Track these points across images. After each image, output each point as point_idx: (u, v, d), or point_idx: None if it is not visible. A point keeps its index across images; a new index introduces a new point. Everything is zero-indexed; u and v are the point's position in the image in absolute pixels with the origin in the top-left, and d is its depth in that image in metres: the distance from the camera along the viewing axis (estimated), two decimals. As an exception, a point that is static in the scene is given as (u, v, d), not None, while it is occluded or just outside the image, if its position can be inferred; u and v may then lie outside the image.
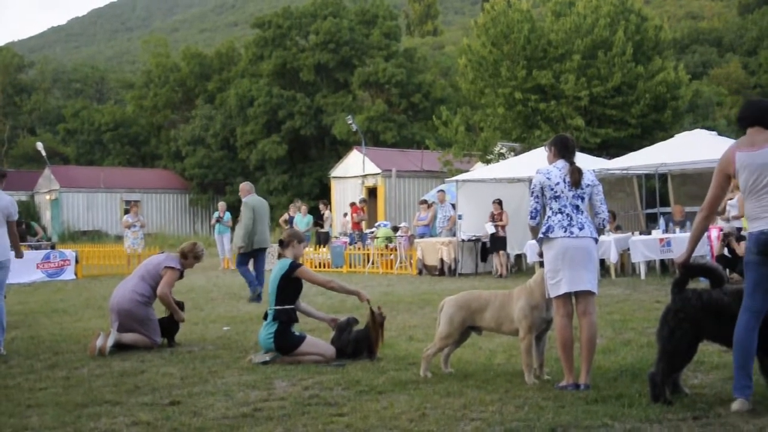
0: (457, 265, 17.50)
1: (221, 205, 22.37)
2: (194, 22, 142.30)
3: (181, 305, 8.54)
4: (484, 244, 17.78)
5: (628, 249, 15.20)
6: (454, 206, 18.71)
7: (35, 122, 61.03)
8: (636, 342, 7.44)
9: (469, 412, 5.04)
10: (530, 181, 6.12)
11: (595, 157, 19.16)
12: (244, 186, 13.40)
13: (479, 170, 22.33)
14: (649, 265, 15.35)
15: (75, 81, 71.17)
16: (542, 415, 4.87)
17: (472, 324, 6.33)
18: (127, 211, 23.73)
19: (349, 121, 34.83)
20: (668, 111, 25.99)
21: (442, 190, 20.46)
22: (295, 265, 7.22)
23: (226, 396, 5.73)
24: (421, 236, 19.46)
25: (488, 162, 25.32)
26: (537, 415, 4.87)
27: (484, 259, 18.07)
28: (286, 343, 7.04)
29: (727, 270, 11.85)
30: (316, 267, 20.12)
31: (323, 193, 38.17)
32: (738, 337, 4.86)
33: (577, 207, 5.75)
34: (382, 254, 19.61)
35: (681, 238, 14.62)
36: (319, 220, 23.72)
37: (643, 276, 14.69)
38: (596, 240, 5.82)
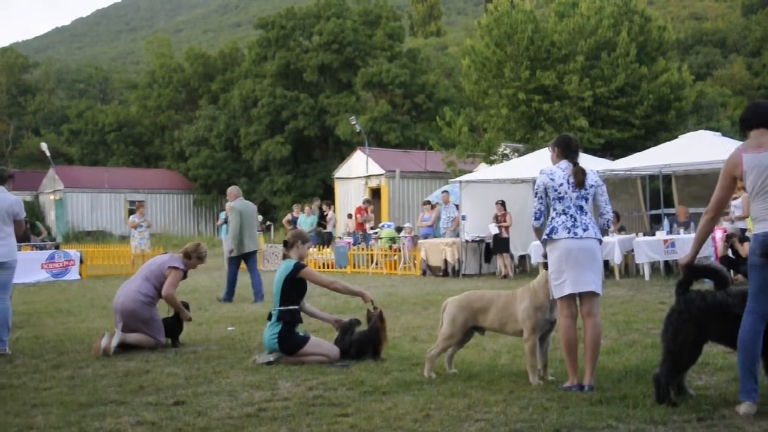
0: (461, 266, 17.49)
1: (228, 206, 22.28)
2: (198, 22, 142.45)
3: (185, 305, 8.56)
4: (487, 245, 17.77)
5: (632, 250, 15.18)
6: (457, 207, 18.70)
7: (39, 123, 61.14)
8: (640, 343, 7.44)
9: (473, 412, 5.03)
10: (534, 181, 6.11)
11: (598, 158, 19.15)
12: (232, 190, 13.69)
13: (483, 171, 22.32)
14: (653, 266, 15.33)
15: (79, 81, 71.30)
16: (546, 416, 4.86)
17: (475, 324, 6.33)
18: (132, 212, 23.78)
19: (353, 122, 34.82)
20: (672, 112, 25.95)
21: (445, 191, 20.45)
22: (299, 266, 7.23)
23: (230, 396, 5.74)
24: (425, 237, 19.45)
25: (492, 163, 25.29)
26: (541, 416, 4.87)
27: (487, 260, 18.06)
28: (290, 343, 7.05)
29: (731, 271, 11.83)
30: (319, 267, 20.12)
31: (327, 194, 38.17)
32: (742, 339, 4.85)
33: (581, 208, 5.74)
34: (385, 255, 19.61)
35: (685, 239, 14.61)
36: (322, 220, 23.75)
37: (647, 277, 14.68)
38: (600, 241, 5.81)
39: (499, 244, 17.01)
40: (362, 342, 7.18)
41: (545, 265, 5.93)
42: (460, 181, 18.52)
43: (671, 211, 17.70)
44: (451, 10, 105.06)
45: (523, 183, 17.59)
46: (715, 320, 5.06)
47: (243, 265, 13.45)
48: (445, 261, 17.56)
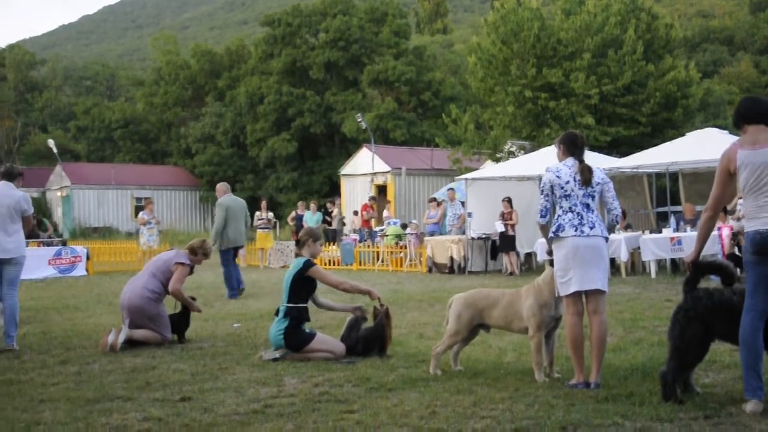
0: (467, 263, 17.48)
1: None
2: (204, 19, 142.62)
3: (193, 299, 8.60)
4: (494, 242, 17.76)
5: (639, 247, 15.15)
6: (463, 204, 18.69)
7: (47, 119, 61.33)
8: (647, 341, 7.42)
9: (479, 409, 5.03)
10: (540, 179, 6.09)
11: (605, 156, 19.11)
12: (221, 187, 13.89)
13: (489, 168, 22.31)
14: (660, 263, 15.30)
15: (86, 78, 71.46)
16: (552, 413, 4.86)
17: (481, 321, 6.33)
18: (138, 208, 23.82)
19: (359, 119, 34.81)
20: (679, 109, 25.89)
21: (451, 189, 20.44)
22: (308, 264, 7.23)
23: (236, 392, 5.75)
24: (431, 234, 19.44)
25: (498, 160, 25.28)
26: (547, 413, 4.87)
27: (493, 257, 18.05)
28: (296, 340, 7.06)
29: (738, 269, 11.79)
30: (325, 264, 20.13)
31: (333, 191, 38.19)
32: (743, 337, 4.84)
33: (587, 205, 5.73)
34: (392, 252, 19.61)
35: (692, 236, 14.56)
36: (327, 217, 23.77)
37: (653, 275, 14.65)
38: (607, 239, 5.80)
39: (506, 242, 16.99)
40: (368, 339, 7.18)
41: (551, 263, 5.92)
42: (466, 179, 18.50)
43: (678, 208, 17.65)
44: (457, 8, 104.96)
45: (529, 180, 17.56)
46: (722, 318, 5.05)
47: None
48: (451, 258, 17.55)
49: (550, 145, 18.39)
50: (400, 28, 45.31)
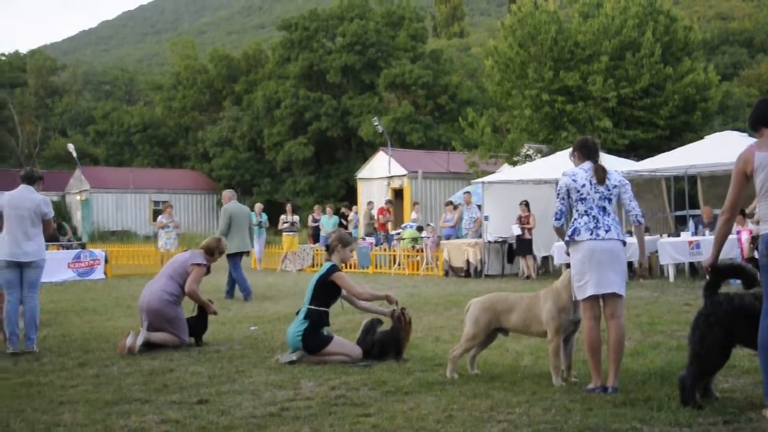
0: (484, 267, 17.44)
1: (258, 206, 22.30)
2: (221, 24, 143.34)
3: (210, 302, 8.64)
4: (510, 245, 17.70)
5: (657, 251, 15.06)
6: (480, 208, 18.64)
7: (66, 124, 61.87)
8: (665, 345, 7.37)
9: (496, 413, 5.02)
10: (557, 182, 6.07)
11: (623, 159, 19.00)
12: (226, 193, 14.33)
13: (506, 172, 22.25)
14: (678, 267, 15.19)
15: (105, 83, 72.04)
16: (570, 417, 4.83)
17: (498, 325, 6.31)
18: (157, 212, 23.94)
19: (375, 123, 34.82)
20: (698, 112, 25.68)
21: (468, 192, 20.40)
22: (333, 269, 7.25)
23: (253, 395, 5.76)
24: (448, 238, 19.41)
25: (515, 163, 25.20)
26: (564, 417, 4.84)
27: (510, 260, 17.99)
28: (313, 342, 7.07)
29: (758, 274, 11.68)
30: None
31: (349, 195, 38.22)
32: (762, 341, 4.78)
33: (603, 209, 5.70)
34: (408, 255, 19.60)
35: (710, 240, 14.41)
36: (343, 220, 23.80)
37: (671, 279, 14.55)
38: (624, 242, 5.77)
39: (522, 245, 16.94)
40: (384, 342, 7.18)
41: (568, 266, 5.90)
42: (483, 182, 18.46)
43: (696, 212, 17.52)
44: (474, 11, 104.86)
45: (546, 184, 17.50)
46: (743, 324, 4.99)
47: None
48: (468, 262, 17.52)
49: (567, 148, 18.29)
50: (417, 31, 45.33)
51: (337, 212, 24.84)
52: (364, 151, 41.82)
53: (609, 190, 5.72)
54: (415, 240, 20.17)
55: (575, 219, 5.76)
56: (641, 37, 25.55)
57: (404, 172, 33.04)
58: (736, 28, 55.88)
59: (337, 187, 43.07)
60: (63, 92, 63.73)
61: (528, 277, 16.54)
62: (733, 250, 12.90)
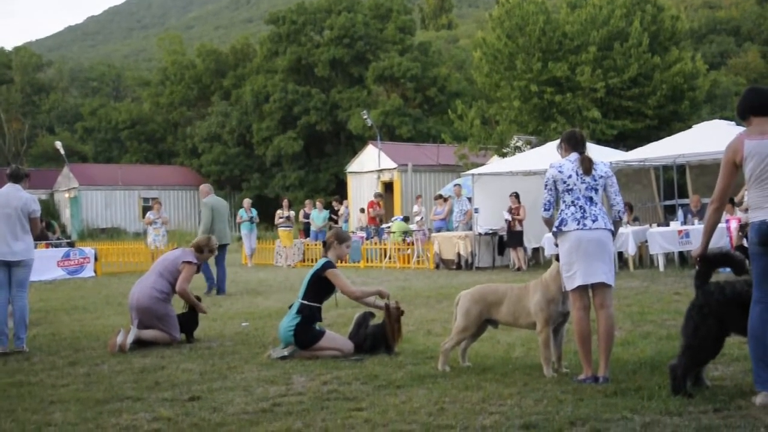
0: (474, 259, 17.46)
1: (246, 202, 22.17)
2: (209, 18, 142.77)
3: (198, 299, 8.62)
4: (501, 237, 17.73)
5: (647, 241, 15.11)
6: (470, 200, 18.66)
7: (54, 121, 61.55)
8: (655, 334, 7.40)
9: (487, 405, 5.03)
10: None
11: (612, 149, 19.03)
12: (204, 187, 14.38)
13: (495, 164, 22.27)
14: (668, 257, 15.25)
15: (92, 79, 71.71)
16: (561, 408, 4.85)
17: (489, 317, 6.33)
18: (147, 209, 23.87)
19: (364, 116, 34.79)
20: (686, 102, 25.78)
21: (458, 184, 20.42)
22: (327, 265, 7.24)
23: (245, 391, 5.76)
24: (438, 230, 19.42)
25: (504, 155, 25.23)
26: (556, 408, 4.86)
27: (501, 252, 18.02)
28: (305, 337, 7.07)
29: (747, 261, 11.74)
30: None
31: (339, 189, 38.20)
32: (752, 329, 4.81)
33: (590, 199, 5.72)
34: (399, 249, 19.61)
35: (699, 229, 14.48)
36: (333, 215, 23.78)
37: (661, 268, 14.60)
38: (612, 232, 5.78)
39: (513, 237, 16.96)
40: (376, 336, 7.18)
41: (557, 257, 5.91)
42: (473, 174, 18.47)
43: (685, 201, 17.57)
44: (462, 3, 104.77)
45: (536, 175, 17.50)
46: (736, 312, 5.00)
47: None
48: (459, 254, 17.54)
49: (556, 139, 18.29)
50: (405, 24, 45.28)
51: (327, 206, 24.82)
52: (354, 144, 41.81)
53: (595, 180, 5.75)
54: (405, 233, 20.16)
55: (562, 210, 5.78)
56: (629, 26, 25.60)
57: (394, 165, 33.03)
58: (723, 17, 56.04)
59: (327, 181, 43.04)
60: (49, 89, 63.36)
61: (519, 269, 16.57)
62: (722, 239, 12.95)
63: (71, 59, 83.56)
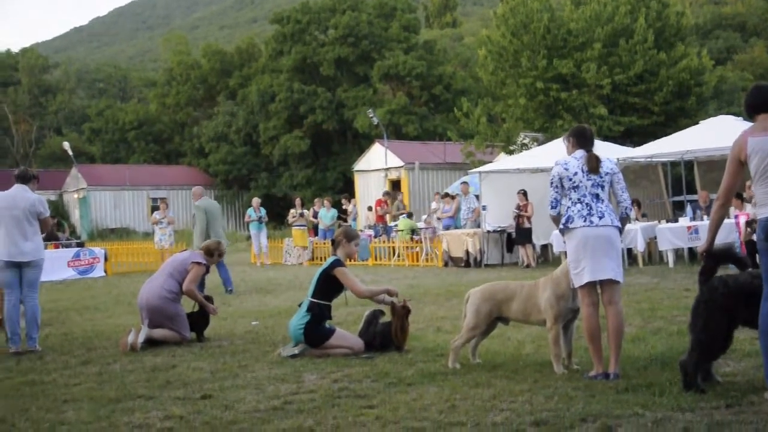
0: (483, 257, 17.45)
1: (256, 201, 22.14)
2: (214, 19, 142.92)
3: (210, 299, 8.65)
4: (509, 234, 17.71)
5: (655, 237, 15.08)
6: (477, 198, 18.64)
7: (61, 122, 61.70)
8: (665, 330, 7.39)
9: (498, 402, 5.03)
10: (554, 171, 6.09)
11: (618, 146, 19.00)
12: (197, 190, 14.40)
13: (502, 161, 22.24)
14: (677, 253, 15.21)
15: (98, 81, 71.85)
16: (572, 405, 4.85)
17: (499, 315, 6.33)
18: (155, 209, 23.92)
19: (370, 115, 34.78)
20: (692, 98, 25.70)
21: (465, 182, 20.40)
22: (336, 263, 7.24)
23: (256, 389, 5.78)
24: (446, 228, 19.42)
25: (511, 152, 25.18)
26: (567, 405, 4.86)
27: (510, 249, 18.00)
28: (315, 335, 7.08)
29: (756, 256, 11.70)
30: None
31: (347, 187, 38.20)
32: (763, 325, 4.78)
33: (596, 196, 5.72)
34: (407, 247, 19.61)
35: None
36: (342, 214, 23.78)
37: (671, 264, 14.58)
38: (619, 228, 5.77)
39: (521, 234, 16.95)
40: (386, 334, 7.18)
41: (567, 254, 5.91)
42: (480, 172, 18.46)
43: (694, 197, 17.53)
44: (466, 1, 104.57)
45: (543, 172, 17.47)
46: (742, 304, 5.00)
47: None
48: (467, 252, 17.53)
49: (562, 136, 18.29)
50: (410, 22, 45.21)
51: (336, 205, 24.83)
52: (360, 143, 41.80)
53: (601, 177, 5.74)
54: (413, 231, 20.16)
55: (569, 207, 5.79)
56: (634, 23, 25.53)
57: (401, 163, 33.03)
58: (728, 13, 55.79)
59: (335, 179, 43.03)
60: (56, 90, 63.49)
61: (528, 266, 16.56)
62: (731, 235, 12.91)
63: (77, 60, 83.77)
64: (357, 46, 43.45)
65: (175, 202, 43.81)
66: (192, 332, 8.33)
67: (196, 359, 7.18)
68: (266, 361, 6.91)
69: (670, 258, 14.72)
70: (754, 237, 12.69)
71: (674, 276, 12.80)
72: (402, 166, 33.03)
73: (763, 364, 4.84)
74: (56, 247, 20.01)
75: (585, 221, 5.66)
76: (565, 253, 5.95)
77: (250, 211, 21.58)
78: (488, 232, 17.56)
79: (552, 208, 5.87)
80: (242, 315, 10.38)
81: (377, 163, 33.73)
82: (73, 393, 5.95)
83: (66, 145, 41.48)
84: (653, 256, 15.84)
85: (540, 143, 23.21)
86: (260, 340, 8.17)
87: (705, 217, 15.03)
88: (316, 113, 42.70)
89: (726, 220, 9.18)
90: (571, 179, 5.73)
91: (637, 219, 15.38)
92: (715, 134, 15.40)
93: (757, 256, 5.10)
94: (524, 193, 17.00)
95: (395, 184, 33.20)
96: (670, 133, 19.62)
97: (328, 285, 7.22)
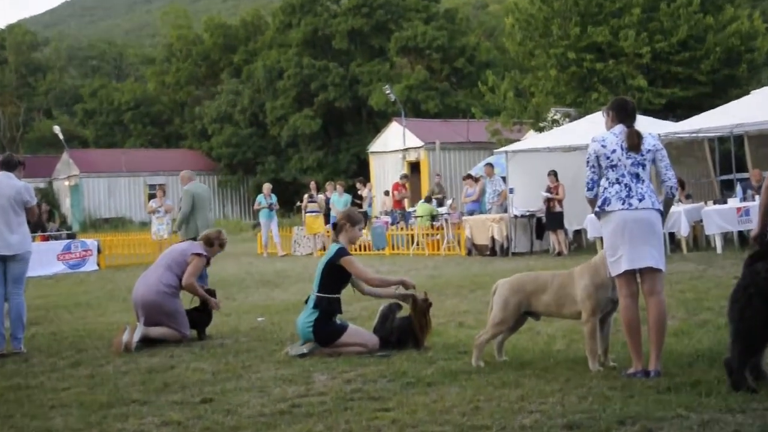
0: (510, 244, 17.39)
1: (267, 187, 22.13)
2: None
3: (212, 293, 8.66)
4: (539, 219, 17.63)
5: (701, 220, 14.95)
6: (504, 180, 18.56)
7: (51, 104, 62.15)
8: (713, 323, 7.32)
9: (527, 404, 4.99)
10: (587, 149, 6.04)
11: (660, 120, 18.82)
12: (185, 174, 14.40)
13: (531, 139, 22.15)
14: (726, 237, 15.08)
15: (92, 58, 72.28)
16: (608, 406, 4.80)
17: (529, 309, 6.27)
18: (153, 196, 24.00)
19: (387, 91, 34.73)
20: (743, 65, 25.43)
21: (489, 164, 20.33)
22: (341, 252, 7.19)
23: (261, 392, 5.77)
24: (470, 213, 19.37)
25: (541, 130, 25.12)
26: (602, 406, 4.81)
27: (539, 236, 17.93)
28: (325, 332, 7.06)
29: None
30: (356, 250, 20.14)
31: (361, 170, 38.22)
32: None
33: (636, 176, 5.65)
34: (427, 234, 19.58)
35: (760, 206, 14.31)
36: (357, 199, 23.71)
37: (719, 250, 14.45)
38: (660, 212, 5.70)
39: (552, 219, 16.87)
40: (403, 329, 7.15)
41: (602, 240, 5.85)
42: (507, 152, 18.38)
43: (745, 175, 17.37)
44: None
45: (576, 151, 17.35)
46: None
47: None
48: (493, 239, 17.47)
49: (597, 111, 18.17)
50: (429, -11, 45.08)
51: (350, 190, 24.82)
52: (376, 122, 41.82)
53: (643, 155, 5.68)
54: (433, 217, 20.12)
55: (605, 188, 5.73)
56: (677, -16, 25.25)
57: (420, 143, 33.01)
58: (782, -29, 55.04)
59: (348, 162, 43.11)
60: (46, 69, 63.89)
61: (559, 254, 16.49)
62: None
63: (69, 36, 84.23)
64: (372, 17, 43.36)
65: (175, 188, 43.80)
66: (192, 330, 8.34)
67: (196, 360, 7.19)
68: (272, 361, 6.90)
69: (718, 243, 14.59)
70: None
71: (722, 263, 12.68)
72: (421, 147, 32.99)
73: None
74: (45, 239, 20.15)
75: (623, 204, 5.61)
76: (601, 239, 5.89)
77: (260, 198, 21.60)
78: (515, 217, 17.49)
79: (588, 189, 5.83)
80: (247, 310, 10.40)
81: (394, 144, 33.71)
82: (62, 398, 5.96)
83: (56, 128, 41.83)
84: (699, 241, 15.73)
85: (572, 119, 23.08)
86: (266, 337, 8.17)
87: (756, 197, 14.84)
88: (328, 90, 42.72)
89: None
90: (608, 157, 5.68)
91: (680, 201, 15.24)
92: (768, 106, 15.24)
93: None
94: (555, 174, 16.91)
95: (414, 167, 33.14)
96: (717, 105, 19.40)
97: (335, 276, 7.18)
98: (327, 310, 7.11)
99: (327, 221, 23.08)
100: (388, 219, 22.13)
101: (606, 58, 25.36)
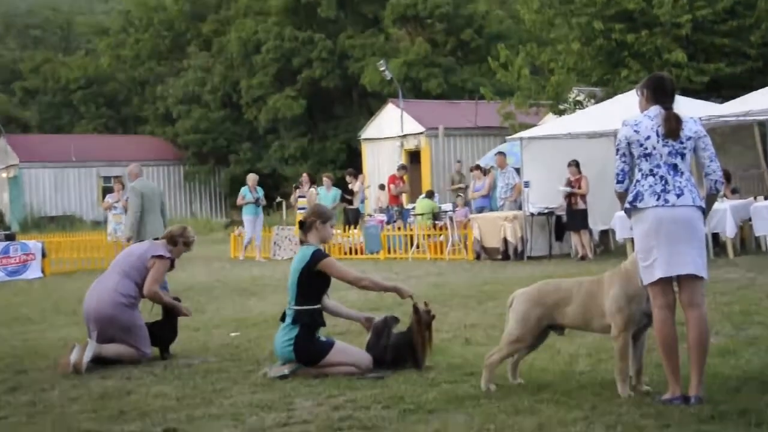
0: (525, 246, 17.44)
1: (252, 178, 21.95)
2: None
3: (176, 300, 8.64)
4: (558, 218, 17.67)
5: (750, 219, 15.00)
6: (518, 171, 18.60)
7: (-15, 81, 61.97)
8: (764, 340, 7.37)
9: (546, 435, 4.99)
10: (616, 135, 6.04)
11: (702, 101, 18.86)
12: (132, 168, 14.64)
13: (550, 124, 22.17)
14: (779, 239, 15.16)
15: (33, 27, 71.92)
16: (642, 437, 4.80)
17: (552, 322, 6.27)
18: (108, 190, 24.02)
19: (382, 68, 34.73)
20: (801, 37, 25.47)
21: (501, 153, 20.37)
22: (318, 255, 7.19)
23: (234, 420, 5.78)
24: (479, 210, 19.39)
25: (561, 113, 25.15)
26: (635, 437, 4.81)
27: (559, 237, 17.98)
28: (308, 351, 7.06)
29: None
30: (345, 253, 20.17)
31: (352, 161, 38.24)
32: None
33: (674, 167, 5.65)
34: (428, 235, 19.60)
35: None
36: (346, 194, 23.73)
37: (770, 254, 14.55)
38: (702, 209, 5.71)
39: (574, 218, 16.92)
40: (400, 346, 7.16)
41: (633, 242, 5.86)
42: (521, 138, 18.43)
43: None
44: None
45: (602, 137, 17.43)
46: None
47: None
48: (505, 241, 17.52)
49: (628, 90, 18.19)
50: (432, -53, 45.09)
51: (339, 183, 24.84)
52: (369, 104, 41.88)
53: (682, 143, 5.67)
54: (434, 214, 20.14)
55: (638, 181, 5.74)
56: (721, -59, 25.28)
57: (421, 129, 33.05)
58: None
59: (337, 151, 43.19)
60: (-21, 41, 63.78)
61: (583, 258, 16.55)
62: None
63: (6, 2, 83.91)
64: (364, -20, 43.39)
65: (134, 181, 43.91)
66: (153, 347, 8.32)
67: (158, 382, 7.19)
68: (248, 384, 6.91)
69: (770, 246, 14.68)
70: None
71: (775, 269, 12.74)
72: (422, 133, 33.03)
73: None
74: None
75: (658, 199, 5.61)
76: (632, 240, 5.89)
77: (244, 191, 21.47)
78: (532, 215, 17.55)
79: (618, 182, 5.84)
80: (218, 324, 10.40)
81: (390, 130, 33.74)
82: (-2, 428, 5.95)
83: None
84: (747, 243, 15.78)
85: (598, 100, 23.10)
86: (241, 356, 8.18)
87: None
88: (313, 67, 42.75)
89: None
90: (642, 144, 5.68)
91: (725, 196, 15.28)
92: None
93: None
94: (577, 165, 16.95)
95: (413, 156, 33.15)
96: (769, 84, 19.47)
97: (312, 283, 7.18)
98: (308, 324, 7.11)
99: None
100: (383, 217, 22.16)
101: (638, 28, 25.36)
